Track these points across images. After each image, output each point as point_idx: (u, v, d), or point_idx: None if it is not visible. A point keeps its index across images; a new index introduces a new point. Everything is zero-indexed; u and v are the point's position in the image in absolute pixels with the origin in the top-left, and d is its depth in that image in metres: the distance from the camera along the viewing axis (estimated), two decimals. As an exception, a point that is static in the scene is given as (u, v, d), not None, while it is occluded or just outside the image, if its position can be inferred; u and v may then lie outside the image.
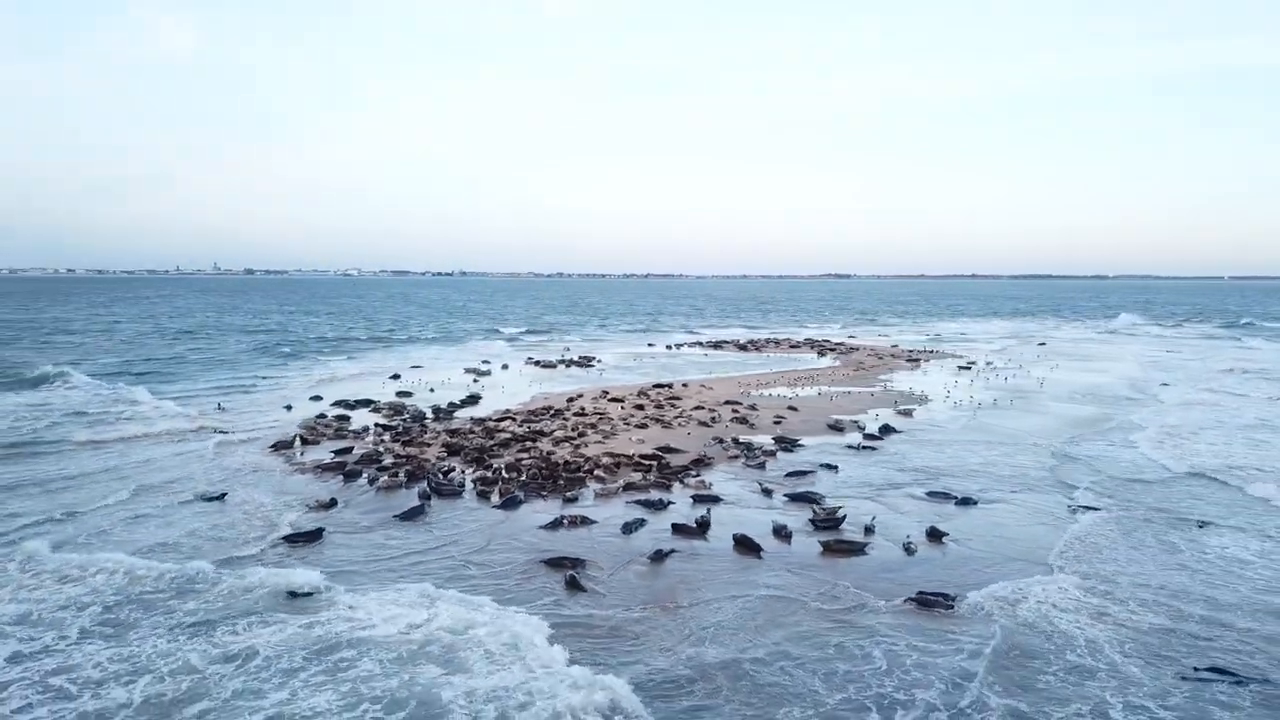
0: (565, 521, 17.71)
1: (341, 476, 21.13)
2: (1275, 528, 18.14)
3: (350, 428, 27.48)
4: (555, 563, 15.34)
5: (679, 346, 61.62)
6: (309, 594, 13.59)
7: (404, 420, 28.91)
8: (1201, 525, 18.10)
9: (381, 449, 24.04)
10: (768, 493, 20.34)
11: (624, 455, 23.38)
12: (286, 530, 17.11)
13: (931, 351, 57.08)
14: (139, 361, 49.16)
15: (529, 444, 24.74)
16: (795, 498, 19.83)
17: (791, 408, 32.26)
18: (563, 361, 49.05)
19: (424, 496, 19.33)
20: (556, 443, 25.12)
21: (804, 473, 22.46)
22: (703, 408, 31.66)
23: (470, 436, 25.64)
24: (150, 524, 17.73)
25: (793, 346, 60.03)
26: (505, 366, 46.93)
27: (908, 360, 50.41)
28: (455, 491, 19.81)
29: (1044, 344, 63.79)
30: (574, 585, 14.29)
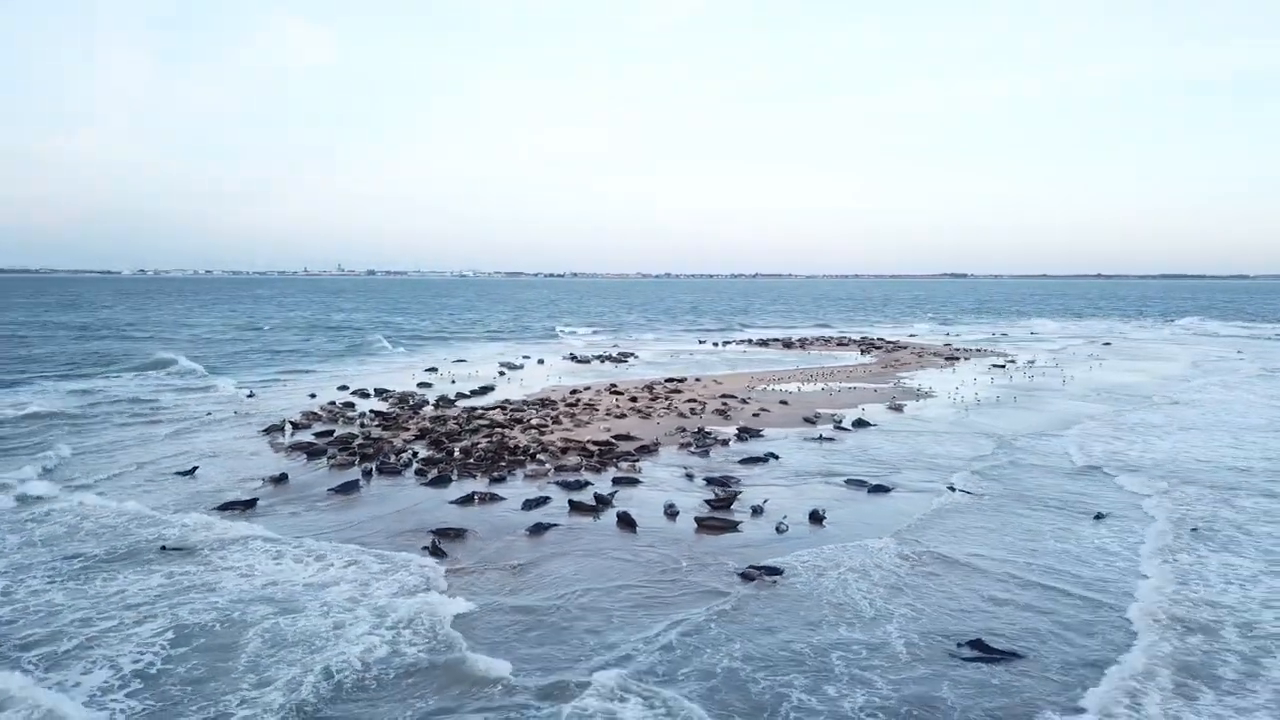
0: (476, 498, 19.02)
1: (305, 456, 23.01)
2: (1142, 516, 17.91)
3: (349, 413, 29.43)
4: (441, 532, 16.65)
5: (725, 344, 62.32)
6: (179, 549, 15.37)
7: (401, 407, 30.71)
8: (1099, 517, 17.97)
9: (358, 432, 25.83)
10: (690, 477, 21.20)
11: (577, 441, 24.50)
12: (228, 499, 18.99)
13: (979, 350, 55.95)
14: (223, 353, 53.50)
15: (500, 430, 26.12)
16: (712, 481, 20.60)
17: (783, 402, 32.73)
18: (599, 357, 50.46)
19: (366, 474, 21.01)
20: (525, 429, 26.40)
21: (752, 460, 23.11)
22: (695, 400, 32.44)
23: (447, 422, 27.20)
24: (124, 482, 20.21)
25: (840, 345, 59.76)
26: (540, 361, 48.68)
27: (945, 359, 49.67)
28: (397, 470, 21.40)
29: (1109, 344, 61.39)
30: (435, 550, 15.59)
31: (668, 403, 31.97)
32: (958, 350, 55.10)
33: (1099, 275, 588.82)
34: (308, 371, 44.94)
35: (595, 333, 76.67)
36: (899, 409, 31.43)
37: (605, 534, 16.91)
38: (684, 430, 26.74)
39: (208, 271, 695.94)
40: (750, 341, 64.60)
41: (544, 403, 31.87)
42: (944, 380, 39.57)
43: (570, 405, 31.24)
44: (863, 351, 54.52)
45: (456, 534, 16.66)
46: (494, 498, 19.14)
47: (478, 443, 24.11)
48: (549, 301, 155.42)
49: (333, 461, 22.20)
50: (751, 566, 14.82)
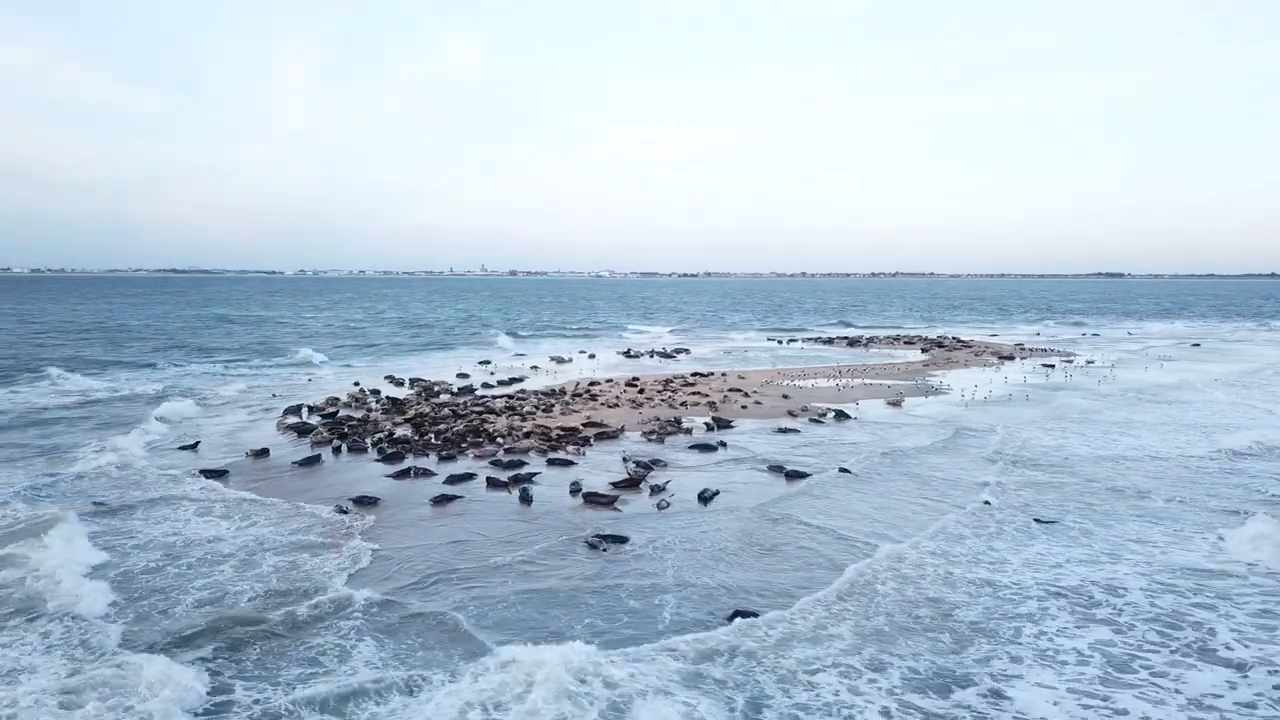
0: (412, 473, 21.11)
1: (296, 434, 25.76)
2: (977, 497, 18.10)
3: (369, 400, 32.20)
4: (358, 499, 18.78)
5: (791, 342, 62.66)
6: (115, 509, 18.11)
7: (419, 395, 33.26)
8: (986, 503, 18.35)
9: (360, 416, 28.44)
10: (624, 460, 22.58)
11: (547, 427, 26.26)
12: (205, 467, 21.79)
13: (1045, 350, 54.29)
14: (340, 343, 59.83)
15: (485, 416, 28.17)
16: (638, 464, 21.94)
17: (785, 396, 33.52)
18: (651, 353, 52.08)
19: (335, 450, 23.51)
20: (509, 416, 28.34)
21: (704, 447, 24.33)
22: (699, 394, 33.62)
23: (442, 409, 29.47)
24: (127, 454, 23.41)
25: (907, 343, 59.10)
26: (592, 356, 50.70)
27: (1001, 358, 48.59)
28: (363, 448, 23.78)
29: (1198, 345, 58.04)
30: (340, 511, 17.77)
31: (672, 395, 33.21)
32: (1025, 350, 53.67)
33: (1274, 275, 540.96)
34: (378, 361, 48.86)
35: (672, 330, 78.24)
36: (897, 404, 31.68)
37: (501, 507, 18.58)
38: (658, 419, 28.04)
39: (361, 271, 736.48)
40: (818, 340, 64.64)
41: (552, 393, 33.75)
42: (971, 378, 39.15)
43: (575, 396, 33.01)
44: (923, 350, 53.92)
45: (370, 501, 18.74)
46: (427, 473, 21.15)
47: (453, 426, 26.19)
48: (654, 300, 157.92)
49: (315, 439, 24.79)
50: (597, 535, 16.23)
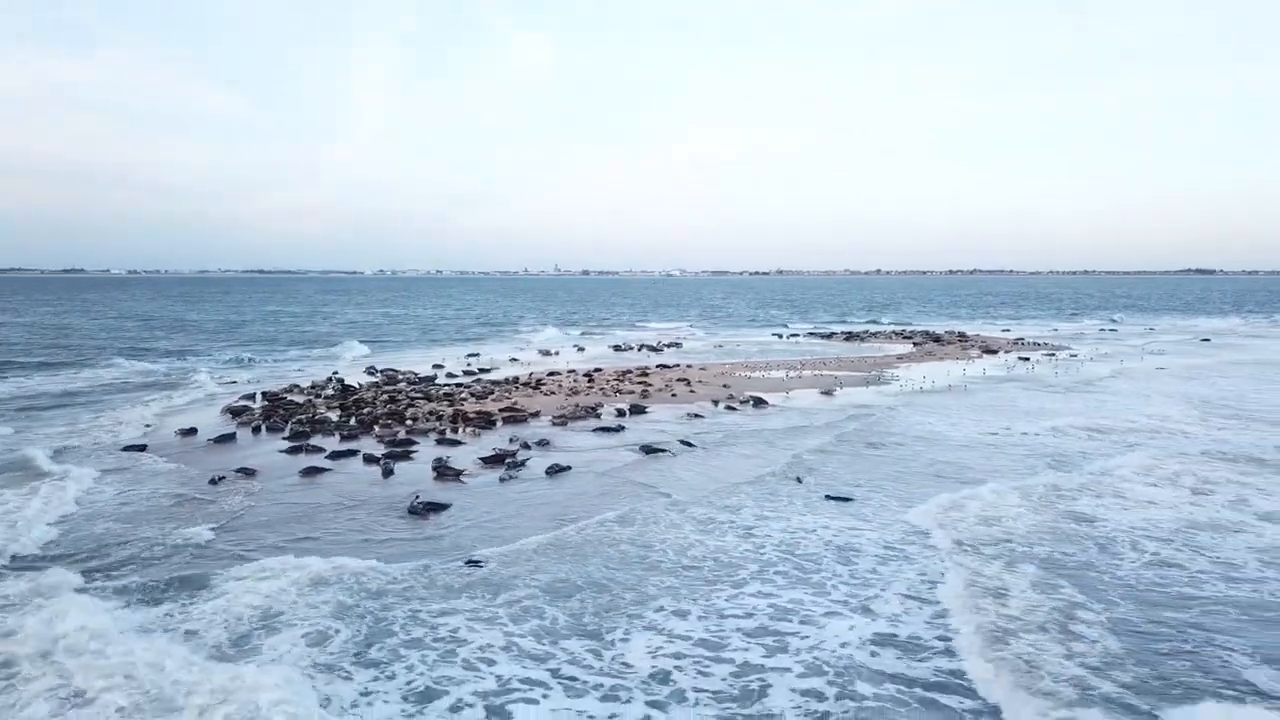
0: (304, 450, 22.90)
1: (232, 416, 27.91)
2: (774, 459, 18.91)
3: (325, 388, 34.29)
4: (241, 470, 20.60)
5: (791, 337, 63.22)
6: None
7: (377, 384, 35.23)
8: (799, 480, 19.28)
9: (302, 401, 30.48)
10: (513, 440, 24.00)
11: (463, 411, 27.84)
12: (129, 443, 24.00)
13: (1039, 344, 53.77)
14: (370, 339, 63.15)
15: (417, 401, 29.91)
16: (526, 444, 23.35)
17: (725, 385, 34.50)
18: (643, 346, 53.42)
19: (255, 430, 25.53)
20: (439, 402, 30.01)
21: (604, 430, 25.68)
22: (646, 383, 34.77)
23: (381, 395, 31.31)
24: (79, 423, 25.82)
25: (905, 338, 59.17)
26: (581, 349, 52.31)
27: (983, 351, 48.45)
28: (280, 429, 25.73)
29: (1207, 340, 56.54)
30: (213, 481, 19.59)
31: (618, 385, 34.45)
32: (1021, 344, 53.43)
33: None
34: (399, 356, 51.58)
35: (691, 325, 79.46)
36: (829, 394, 32.38)
37: (362, 479, 20.14)
38: (578, 405, 29.36)
39: (438, 271, 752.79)
40: (816, 334, 65.04)
41: (504, 382, 35.37)
42: (932, 370, 39.53)
43: (523, 385, 34.53)
44: (915, 344, 53.97)
45: (250, 472, 20.56)
46: (316, 449, 22.91)
47: (376, 411, 27.97)
48: (699, 298, 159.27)
49: (241, 421, 26.87)
50: (419, 501, 17.69)
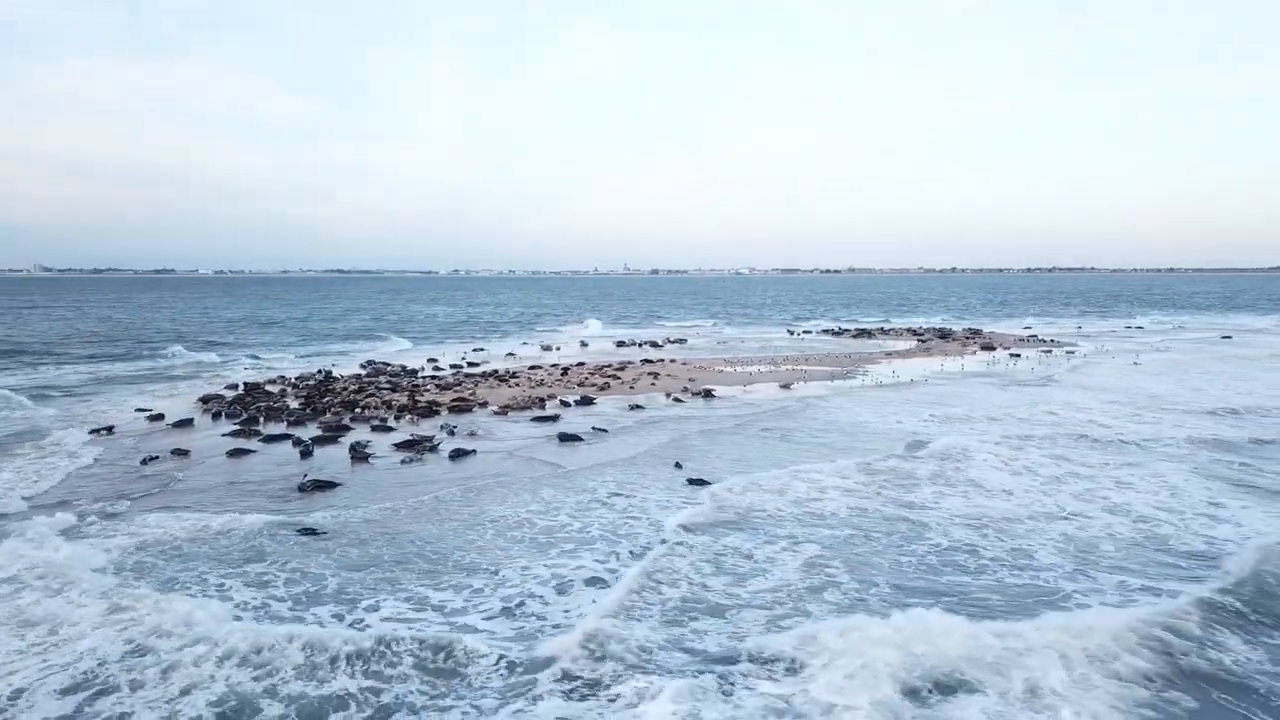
0: (245, 434, 24.54)
1: (201, 403, 29.85)
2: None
3: (309, 379, 36.17)
4: (175, 451, 22.31)
5: (805, 333, 63.37)
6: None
7: (364, 377, 36.98)
8: (678, 465, 20.07)
9: (276, 390, 32.32)
10: (443, 427, 25.29)
11: (415, 402, 29.23)
12: (96, 426, 26.03)
13: (1049, 341, 52.99)
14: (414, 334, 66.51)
15: (379, 392, 31.46)
16: (451, 431, 24.62)
17: (691, 379, 35.22)
18: (641, 343, 54.42)
19: (215, 416, 27.36)
20: (400, 393, 31.49)
21: (541, 419, 26.83)
22: (615, 377, 35.75)
23: (349, 386, 32.95)
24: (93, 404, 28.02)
25: (913, 334, 59.03)
26: (585, 344, 53.56)
27: (982, 348, 47.99)
28: (237, 415, 27.50)
29: (1229, 338, 54.75)
30: (146, 461, 21.30)
31: (586, 378, 35.48)
32: (1028, 340, 52.88)
33: None
34: (411, 349, 54.08)
35: (714, 323, 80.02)
36: (787, 387, 32.88)
37: (282, 461, 21.60)
38: (530, 398, 30.49)
39: (510, 271, 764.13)
40: (830, 332, 64.98)
41: (485, 375, 36.79)
42: (916, 365, 39.80)
43: (498, 377, 35.86)
44: (921, 341, 53.76)
45: (183, 453, 22.23)
46: (256, 433, 24.55)
47: (332, 401, 29.55)
48: (740, 296, 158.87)
49: (206, 408, 28.75)
50: (308, 480, 19.04)
